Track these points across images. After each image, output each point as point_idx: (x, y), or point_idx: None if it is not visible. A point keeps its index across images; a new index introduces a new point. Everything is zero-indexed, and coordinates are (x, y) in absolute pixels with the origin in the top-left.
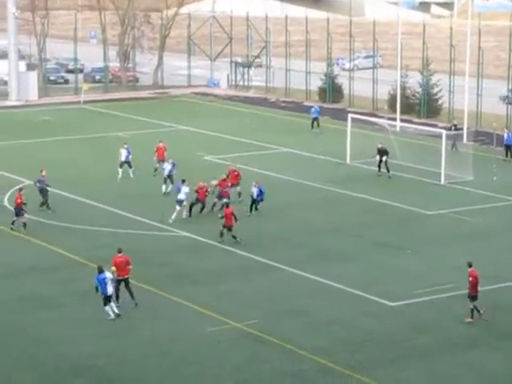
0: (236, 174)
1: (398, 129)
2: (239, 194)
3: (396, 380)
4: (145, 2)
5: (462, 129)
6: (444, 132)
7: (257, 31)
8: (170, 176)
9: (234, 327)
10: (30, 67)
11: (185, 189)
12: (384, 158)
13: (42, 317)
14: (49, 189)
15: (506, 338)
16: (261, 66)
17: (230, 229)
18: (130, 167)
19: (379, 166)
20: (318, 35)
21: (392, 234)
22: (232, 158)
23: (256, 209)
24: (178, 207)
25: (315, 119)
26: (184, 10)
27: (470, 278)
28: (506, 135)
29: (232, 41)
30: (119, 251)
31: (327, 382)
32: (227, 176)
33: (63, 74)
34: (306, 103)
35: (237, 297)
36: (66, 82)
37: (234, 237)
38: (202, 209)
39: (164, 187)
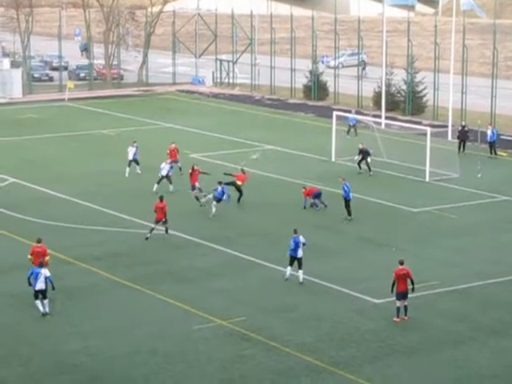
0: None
1: (382, 126)
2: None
3: (381, 377)
4: None
5: (469, 130)
6: (429, 129)
7: (242, 29)
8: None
9: (220, 325)
10: (14, 64)
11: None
12: (369, 160)
13: (28, 314)
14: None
15: (493, 335)
16: None
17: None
18: (138, 164)
19: (359, 165)
20: (303, 33)
21: (377, 231)
22: (217, 155)
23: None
24: (214, 202)
25: (352, 126)
26: (169, 7)
27: (394, 275)
28: (489, 132)
29: (217, 38)
30: (38, 241)
31: (312, 378)
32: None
33: (47, 71)
34: (290, 100)
35: (223, 294)
36: (51, 79)
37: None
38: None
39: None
